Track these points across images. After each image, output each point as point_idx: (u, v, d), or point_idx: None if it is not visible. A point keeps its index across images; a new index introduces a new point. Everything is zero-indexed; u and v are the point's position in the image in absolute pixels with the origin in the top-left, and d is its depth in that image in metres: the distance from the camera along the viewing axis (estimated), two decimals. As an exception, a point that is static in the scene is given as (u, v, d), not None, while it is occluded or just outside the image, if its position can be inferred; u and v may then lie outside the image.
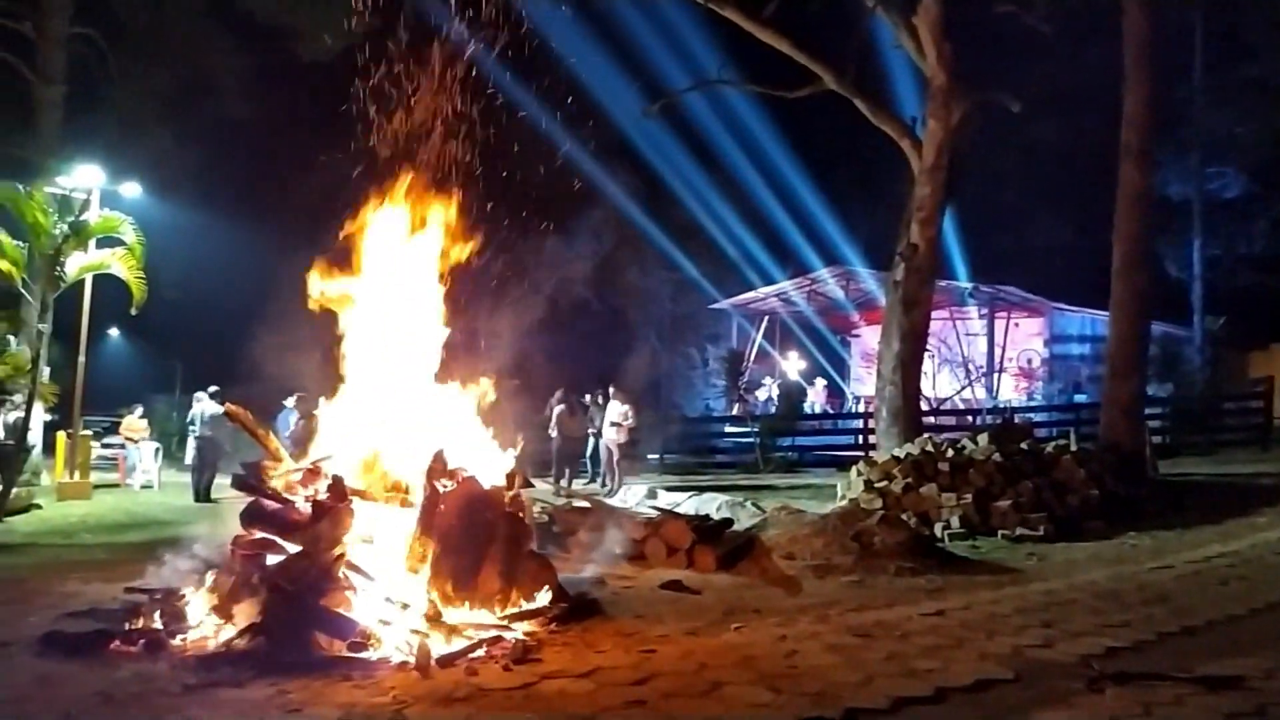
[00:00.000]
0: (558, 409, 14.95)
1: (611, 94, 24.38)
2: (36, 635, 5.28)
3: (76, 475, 15.44)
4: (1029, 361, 26.74)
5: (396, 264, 7.00)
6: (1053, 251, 28.13)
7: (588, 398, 16.28)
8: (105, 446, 18.27)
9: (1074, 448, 11.82)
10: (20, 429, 12.84)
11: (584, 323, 27.62)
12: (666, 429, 24.63)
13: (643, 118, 18.83)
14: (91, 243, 13.78)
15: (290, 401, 14.21)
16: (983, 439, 11.71)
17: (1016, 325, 26.86)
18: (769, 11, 14.20)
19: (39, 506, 13.11)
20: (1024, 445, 11.61)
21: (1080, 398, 24.52)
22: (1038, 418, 21.57)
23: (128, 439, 17.95)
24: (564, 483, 14.52)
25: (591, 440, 15.68)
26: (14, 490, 12.12)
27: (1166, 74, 13.46)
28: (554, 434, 14.84)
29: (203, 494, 14.87)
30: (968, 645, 5.25)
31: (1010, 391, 26.22)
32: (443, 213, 7.19)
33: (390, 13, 7.53)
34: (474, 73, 7.65)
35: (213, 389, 15.53)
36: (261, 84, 22.26)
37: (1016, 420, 17.22)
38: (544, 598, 6.14)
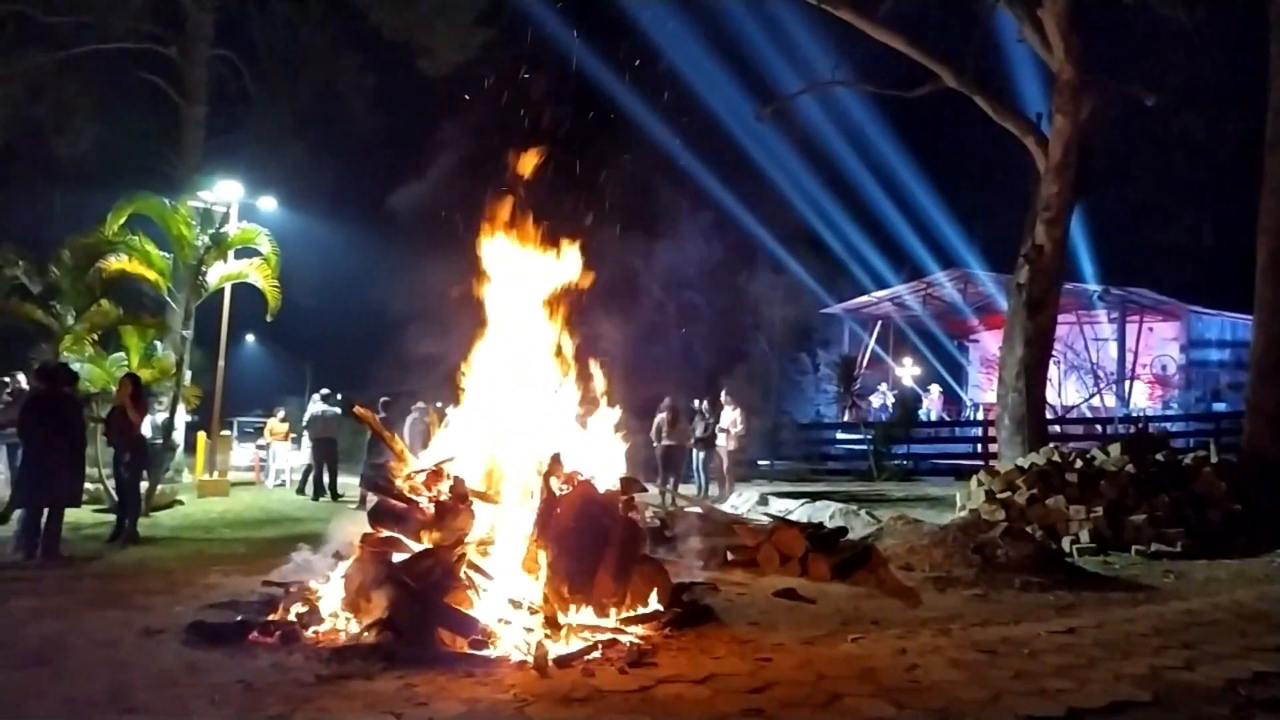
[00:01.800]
0: (659, 416, 15.01)
1: (723, 99, 24.41)
2: (183, 624, 5.61)
3: (216, 473, 16.32)
4: (1164, 368, 25.41)
5: (514, 273, 7.16)
6: (1190, 251, 26.57)
7: (697, 403, 16.24)
8: (259, 448, 19.20)
9: (1214, 459, 11.16)
10: (165, 429, 13.67)
11: (693, 328, 27.63)
12: (777, 435, 24.44)
13: (755, 122, 18.73)
14: (230, 253, 14.51)
15: (416, 406, 14.68)
16: (1114, 449, 11.17)
17: (1150, 329, 25.57)
18: (884, 10, 13.93)
19: (181, 503, 13.92)
20: (1160, 456, 11.02)
21: (1220, 406, 23.19)
22: (1174, 427, 20.49)
23: (271, 440, 18.89)
24: (669, 488, 14.53)
25: (694, 449, 15.63)
26: (159, 487, 12.90)
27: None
28: (658, 441, 14.90)
29: (325, 492, 15.50)
30: (1101, 665, 5.01)
31: (1143, 400, 24.98)
32: (558, 223, 7.32)
33: (506, 27, 7.72)
34: (587, 83, 7.76)
35: (324, 391, 16.18)
36: (387, 98, 23.21)
37: (1151, 430, 16.37)
38: (657, 602, 6.16)
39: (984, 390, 27.06)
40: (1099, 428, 21.90)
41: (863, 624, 6.15)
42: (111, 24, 20.52)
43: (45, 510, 8.89)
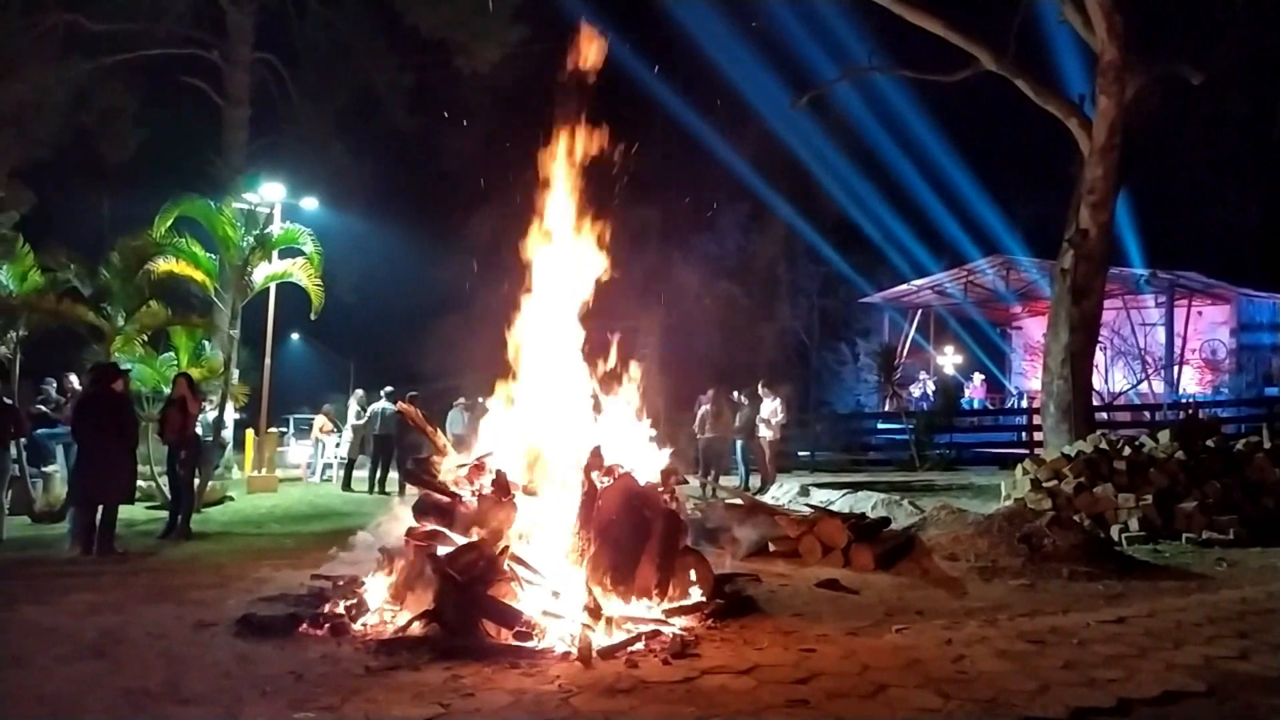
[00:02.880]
0: (702, 409, 14.97)
1: (759, 89, 24.26)
2: (235, 617, 5.73)
3: (264, 469, 16.62)
4: (1213, 352, 24.85)
5: (555, 267, 7.20)
6: (1241, 233, 25.95)
7: (737, 395, 16.20)
8: (316, 443, 19.47)
9: (1268, 444, 10.89)
10: (215, 427, 13.94)
11: (733, 319, 27.55)
12: (817, 425, 24.30)
13: (792, 111, 18.59)
14: (275, 253, 14.75)
15: (460, 402, 14.81)
16: (1164, 436, 10.96)
17: (1199, 313, 25.03)
18: (923, -6, 13.75)
19: (231, 498, 14.21)
20: (1210, 442, 10.78)
21: (1273, 390, 22.65)
22: (1225, 413, 20.02)
23: (319, 436, 19.19)
24: (710, 480, 14.53)
25: (736, 441, 15.59)
26: (210, 483, 13.17)
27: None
28: (701, 433, 14.88)
29: (379, 487, 15.75)
30: (1152, 655, 4.93)
31: (1193, 385, 24.45)
32: (598, 218, 7.34)
33: (541, 22, 7.72)
34: (625, 77, 7.75)
35: (388, 389, 16.39)
36: (425, 98, 23.42)
37: (1201, 415, 16.02)
38: (700, 593, 6.17)
39: (1027, 378, 26.67)
40: (1147, 414, 21.50)
41: (907, 614, 6.11)
42: (155, 30, 20.95)
43: (100, 507, 9.12)
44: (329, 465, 18.45)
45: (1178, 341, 24.24)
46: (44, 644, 5.34)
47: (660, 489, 6.58)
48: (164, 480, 11.76)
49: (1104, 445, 10.92)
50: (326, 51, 23.28)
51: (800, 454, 20.82)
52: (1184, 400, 22.38)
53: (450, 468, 6.67)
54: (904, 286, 28.72)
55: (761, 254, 30.69)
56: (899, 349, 27.39)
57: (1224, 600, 6.49)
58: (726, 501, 10.86)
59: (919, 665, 4.79)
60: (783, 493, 14.10)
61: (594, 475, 6.21)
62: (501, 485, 6.22)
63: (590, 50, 7.30)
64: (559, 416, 6.87)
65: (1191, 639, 5.29)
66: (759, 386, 16.04)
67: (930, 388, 26.54)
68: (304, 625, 5.53)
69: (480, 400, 7.43)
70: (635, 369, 7.36)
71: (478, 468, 6.53)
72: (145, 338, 13.62)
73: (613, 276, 7.42)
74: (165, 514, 10.97)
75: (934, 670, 4.69)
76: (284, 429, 20.59)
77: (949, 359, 30.80)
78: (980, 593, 6.90)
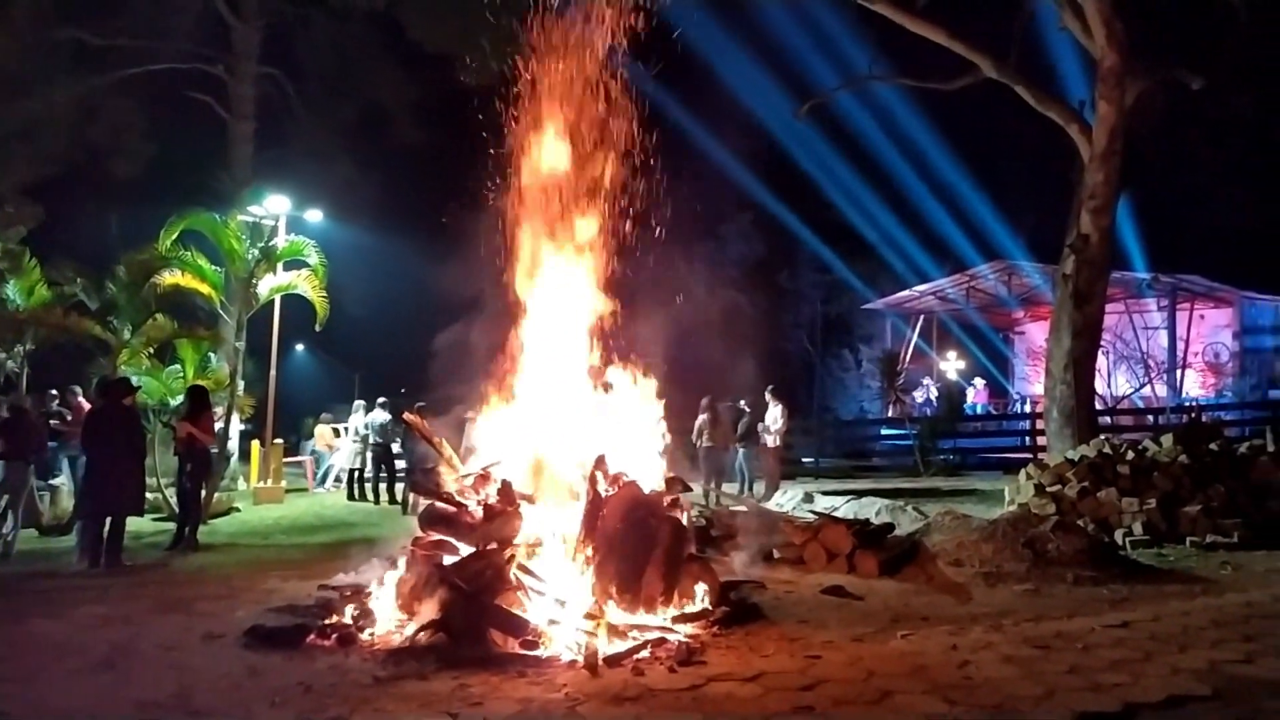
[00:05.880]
0: (701, 417, 15.01)
1: (762, 97, 24.37)
2: (244, 628, 5.77)
3: (270, 480, 16.66)
4: (1216, 355, 24.82)
5: (556, 277, 7.25)
6: (1243, 236, 25.93)
7: (740, 402, 16.21)
8: (313, 454, 19.56)
9: (1271, 447, 10.89)
10: (221, 438, 13.99)
11: (735, 327, 27.57)
12: (820, 432, 24.30)
13: (794, 120, 18.66)
14: (280, 266, 14.81)
15: (470, 415, 14.83)
16: (1167, 440, 10.96)
17: (1202, 317, 24.99)
18: (923, 3, 13.82)
19: (238, 510, 14.25)
20: (1214, 446, 10.78)
21: (1276, 393, 22.59)
22: (1228, 416, 20.02)
23: (325, 446, 19.23)
24: (713, 488, 14.54)
25: (738, 449, 15.61)
26: (216, 495, 13.21)
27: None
28: (700, 442, 14.91)
29: (385, 497, 15.77)
30: (1158, 659, 4.95)
31: (1196, 388, 24.41)
32: (598, 226, 7.39)
33: (542, 31, 7.77)
34: (624, 83, 7.80)
35: (382, 399, 16.43)
36: (430, 111, 23.51)
37: (1204, 419, 16.01)
38: (705, 601, 6.20)
39: (1030, 383, 26.65)
40: (1150, 418, 21.46)
41: (912, 620, 6.13)
42: (161, 45, 21.10)
43: (108, 520, 9.17)
44: (337, 477, 18.47)
45: (1180, 345, 24.21)
46: (55, 658, 5.38)
47: (665, 497, 6.61)
48: (171, 492, 11.80)
49: (1107, 449, 10.93)
50: (331, 66, 23.41)
51: (804, 460, 20.83)
52: (1187, 404, 22.35)
53: (457, 478, 6.72)
54: (907, 292, 28.74)
55: (765, 262, 30.75)
56: (902, 355, 27.40)
57: (1229, 604, 6.50)
58: (731, 509, 10.88)
59: (924, 671, 4.81)
60: (787, 499, 14.10)
61: (599, 484, 6.24)
62: (507, 495, 6.26)
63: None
64: (564, 426, 6.90)
65: (1196, 643, 5.31)
66: (765, 393, 16.06)
67: (933, 393, 26.53)
68: (312, 636, 5.57)
69: (483, 411, 7.45)
70: (640, 378, 7.39)
71: (483, 477, 6.57)
72: (151, 351, 13.68)
73: (617, 286, 7.47)
74: (172, 526, 11.01)
75: (939, 676, 4.72)
76: (295, 437, 20.63)
77: (952, 364, 30.79)
78: (985, 598, 6.92)
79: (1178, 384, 23.92)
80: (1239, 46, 15.94)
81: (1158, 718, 4.14)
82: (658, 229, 7.99)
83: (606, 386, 7.30)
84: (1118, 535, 9.53)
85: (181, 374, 13.77)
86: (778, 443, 15.73)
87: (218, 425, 13.99)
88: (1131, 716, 4.13)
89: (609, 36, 7.64)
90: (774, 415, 15.66)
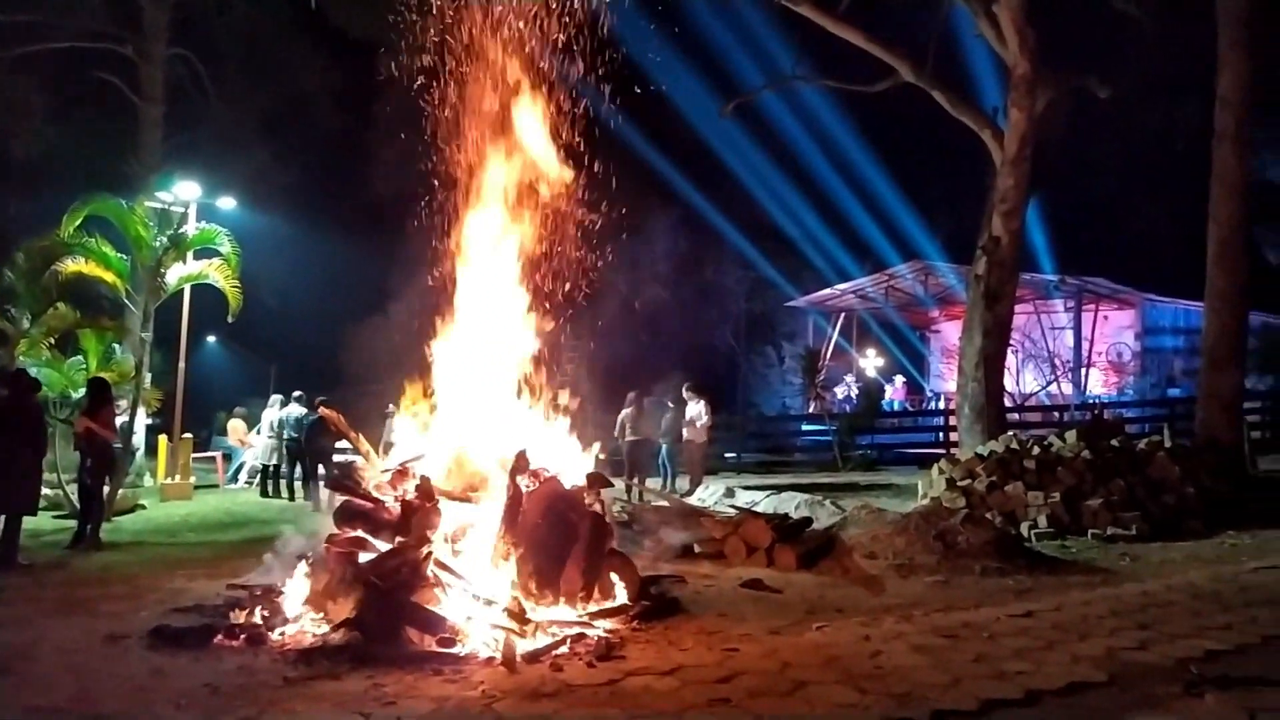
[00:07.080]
0: (624, 412, 15.04)
1: (687, 95, 24.48)
2: (148, 629, 5.57)
3: (178, 477, 16.13)
4: (1119, 355, 25.89)
5: (479, 270, 7.17)
6: (1145, 241, 27.10)
7: (663, 398, 16.28)
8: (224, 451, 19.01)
9: (1168, 444, 11.44)
10: (125, 433, 13.48)
11: (660, 322, 27.69)
12: (743, 428, 24.57)
13: (719, 118, 18.82)
14: (190, 254, 14.33)
15: (391, 409, 14.58)
16: (1071, 436, 11.40)
17: (1106, 318, 26.02)
18: (844, 6, 14.06)
19: (144, 507, 13.75)
20: (1115, 442, 11.26)
21: (1175, 392, 23.68)
22: (1129, 413, 20.87)
23: (239, 442, 18.69)
24: (636, 483, 14.59)
25: (661, 444, 15.69)
26: (120, 491, 12.72)
27: (1266, 53, 12.79)
28: (622, 437, 14.94)
29: (297, 493, 15.41)
30: (1059, 647, 5.14)
31: (1099, 387, 25.42)
32: (521, 217, 7.34)
33: (467, 21, 7.67)
34: (549, 75, 7.76)
35: (297, 393, 16.05)
36: (351, 99, 22.93)
37: (1106, 416, 16.69)
38: (625, 596, 6.21)
39: (945, 380, 27.40)
40: (1056, 415, 22.28)
41: (828, 612, 6.25)
42: (66, 22, 20.12)
43: (3, 519, 8.75)
44: (250, 473, 17.99)
45: (1085, 345, 25.17)
46: (-58, 662, 5.11)
47: (586, 492, 6.60)
48: (73, 489, 11.32)
49: (1015, 445, 11.30)
50: (248, 49, 22.64)
51: (726, 456, 21.04)
52: (1091, 401, 23.22)
53: (374, 473, 6.59)
54: (828, 291, 29.26)
55: (690, 258, 30.91)
56: (823, 352, 27.92)
57: (1127, 594, 6.78)
58: (653, 504, 10.93)
59: (838, 662, 4.91)
60: (708, 494, 14.21)
61: (519, 479, 6.20)
62: (425, 490, 6.17)
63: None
64: (484, 421, 6.84)
65: (1096, 631, 5.52)
66: (684, 389, 16.15)
67: (854, 390, 27.09)
68: (219, 636, 5.41)
69: (402, 405, 7.33)
70: (562, 373, 7.37)
71: (401, 473, 6.46)
72: (52, 341, 13.16)
73: (540, 281, 7.43)
74: (73, 524, 10.56)
75: (852, 666, 4.82)
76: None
77: (871, 362, 31.46)
78: (898, 589, 7.10)
79: (1082, 382, 24.86)
80: (1145, 58, 16.66)
81: (1059, 704, 4.28)
82: (583, 223, 7.97)
83: (529, 382, 7.26)
84: (1024, 528, 9.86)
85: (84, 365, 13.24)
86: (700, 438, 15.84)
87: (122, 419, 13.49)
88: (1034, 703, 4.27)
89: (536, 31, 7.59)
90: (698, 411, 15.76)
